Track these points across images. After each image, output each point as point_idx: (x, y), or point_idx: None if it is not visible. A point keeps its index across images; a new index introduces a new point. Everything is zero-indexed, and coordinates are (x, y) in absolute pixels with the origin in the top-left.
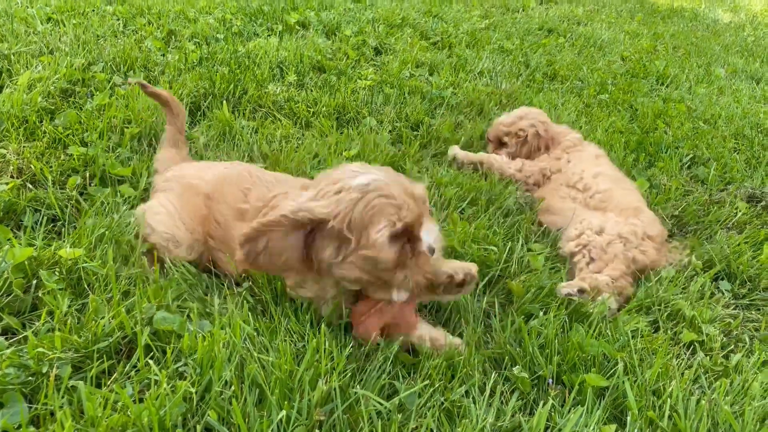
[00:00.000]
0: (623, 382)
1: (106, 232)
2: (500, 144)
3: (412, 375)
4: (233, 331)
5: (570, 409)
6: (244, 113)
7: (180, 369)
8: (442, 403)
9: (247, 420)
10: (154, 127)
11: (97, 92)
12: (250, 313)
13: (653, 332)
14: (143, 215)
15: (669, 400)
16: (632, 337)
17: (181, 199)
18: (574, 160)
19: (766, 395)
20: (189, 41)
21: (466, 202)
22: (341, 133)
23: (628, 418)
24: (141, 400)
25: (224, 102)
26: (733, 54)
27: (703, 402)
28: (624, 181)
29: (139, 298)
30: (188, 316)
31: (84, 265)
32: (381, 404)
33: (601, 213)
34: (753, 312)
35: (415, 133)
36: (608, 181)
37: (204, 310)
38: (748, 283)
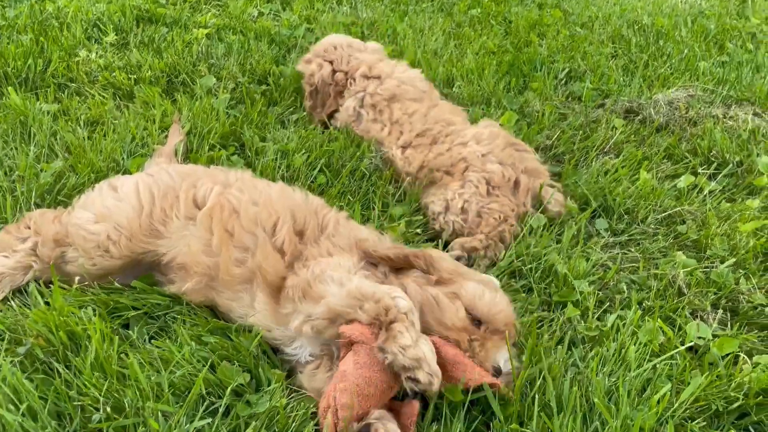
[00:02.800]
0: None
1: None
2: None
3: None
4: None
5: (427, 425)
6: (46, 94)
7: None
8: None
9: None
10: None
11: None
12: None
13: (526, 294)
14: None
15: (537, 397)
16: None
17: None
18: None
19: (642, 361)
20: None
21: (317, 170)
22: (173, 100)
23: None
24: None
25: (16, 85)
26: None
27: (575, 389)
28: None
29: None
30: None
31: None
32: None
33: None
34: (632, 248)
35: (263, 87)
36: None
37: None
38: (626, 216)
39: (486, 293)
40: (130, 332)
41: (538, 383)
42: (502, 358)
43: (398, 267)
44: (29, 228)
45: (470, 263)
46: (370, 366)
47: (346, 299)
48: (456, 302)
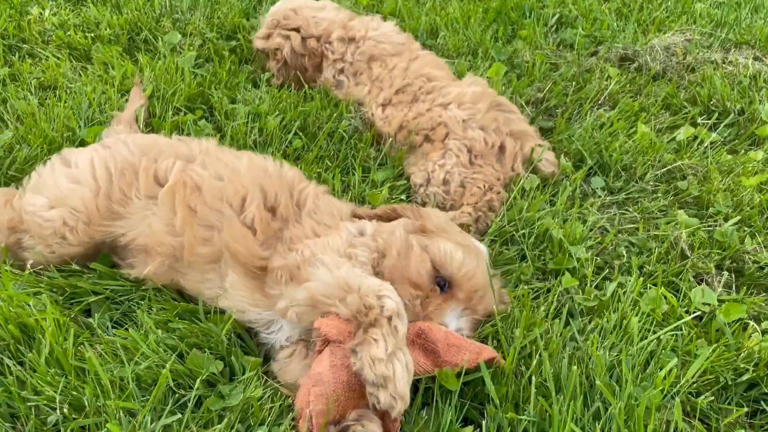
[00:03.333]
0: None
1: None
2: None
3: None
4: None
5: (416, 411)
6: None
7: None
8: None
9: None
10: None
11: None
12: None
13: (519, 263)
14: None
15: (534, 378)
16: None
17: None
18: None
19: (646, 332)
20: None
21: (291, 133)
22: (134, 61)
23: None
24: None
25: None
26: None
27: (575, 367)
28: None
29: None
30: None
31: None
32: None
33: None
34: (630, 208)
35: (232, 43)
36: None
37: None
38: (623, 173)
39: (458, 254)
40: (91, 320)
41: (535, 361)
42: (453, 319)
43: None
44: None
45: None
46: (348, 368)
47: (329, 288)
48: (424, 255)
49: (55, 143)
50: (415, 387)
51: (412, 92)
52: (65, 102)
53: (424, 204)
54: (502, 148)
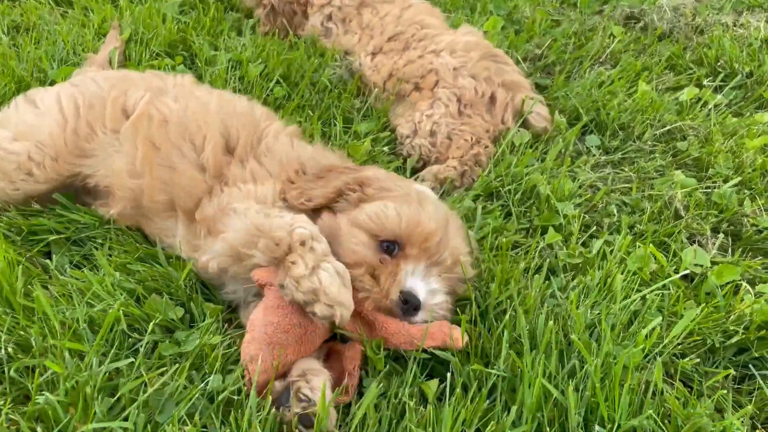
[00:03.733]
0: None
1: None
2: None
3: None
4: None
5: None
6: None
7: None
8: None
9: None
10: None
11: None
12: None
13: (504, 220)
14: None
15: (507, 333)
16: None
17: None
18: None
19: (631, 291)
20: None
21: (273, 82)
22: (115, 5)
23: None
24: None
25: None
26: None
27: (551, 323)
28: None
29: None
30: None
31: None
32: None
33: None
34: (625, 168)
35: None
36: None
37: None
38: (621, 132)
39: (390, 209)
40: (49, 261)
41: (509, 315)
42: (415, 281)
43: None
44: None
45: (442, 193)
46: (277, 309)
47: (244, 236)
48: (352, 229)
49: (23, 82)
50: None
51: (404, 40)
52: (37, 43)
53: (408, 156)
54: (492, 99)
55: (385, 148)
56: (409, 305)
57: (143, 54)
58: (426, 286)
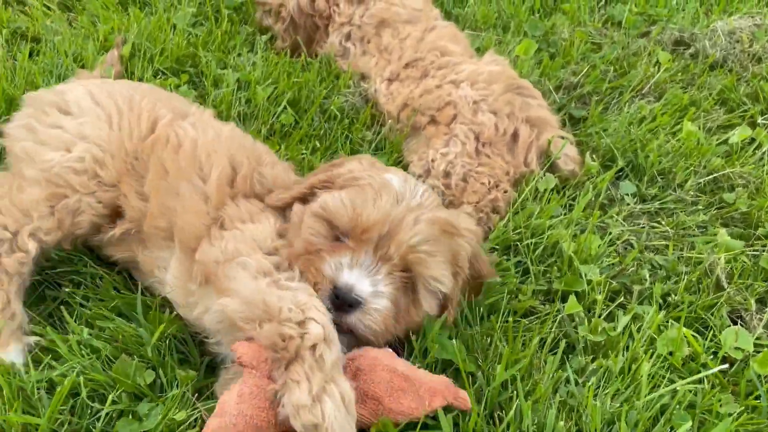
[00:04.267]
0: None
1: None
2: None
3: None
4: None
5: None
6: None
7: None
8: None
9: None
10: None
11: None
12: None
13: (519, 281)
14: None
15: (512, 427)
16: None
17: None
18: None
19: (660, 379)
20: None
21: (281, 107)
22: (127, 14)
23: None
24: None
25: None
26: None
27: (561, 423)
28: None
29: None
30: None
31: None
32: None
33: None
34: (663, 221)
35: (237, 1)
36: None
37: None
38: (660, 178)
39: (335, 198)
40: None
41: (515, 406)
42: (355, 276)
43: None
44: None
45: None
46: (253, 399)
47: (247, 310)
48: (310, 219)
49: (14, 101)
50: None
51: (422, 67)
52: (37, 55)
53: None
54: (515, 137)
55: None
56: (340, 300)
57: (145, 71)
58: (361, 279)
